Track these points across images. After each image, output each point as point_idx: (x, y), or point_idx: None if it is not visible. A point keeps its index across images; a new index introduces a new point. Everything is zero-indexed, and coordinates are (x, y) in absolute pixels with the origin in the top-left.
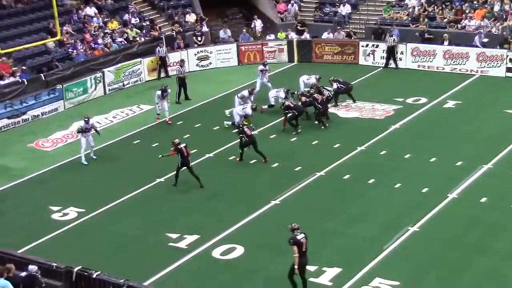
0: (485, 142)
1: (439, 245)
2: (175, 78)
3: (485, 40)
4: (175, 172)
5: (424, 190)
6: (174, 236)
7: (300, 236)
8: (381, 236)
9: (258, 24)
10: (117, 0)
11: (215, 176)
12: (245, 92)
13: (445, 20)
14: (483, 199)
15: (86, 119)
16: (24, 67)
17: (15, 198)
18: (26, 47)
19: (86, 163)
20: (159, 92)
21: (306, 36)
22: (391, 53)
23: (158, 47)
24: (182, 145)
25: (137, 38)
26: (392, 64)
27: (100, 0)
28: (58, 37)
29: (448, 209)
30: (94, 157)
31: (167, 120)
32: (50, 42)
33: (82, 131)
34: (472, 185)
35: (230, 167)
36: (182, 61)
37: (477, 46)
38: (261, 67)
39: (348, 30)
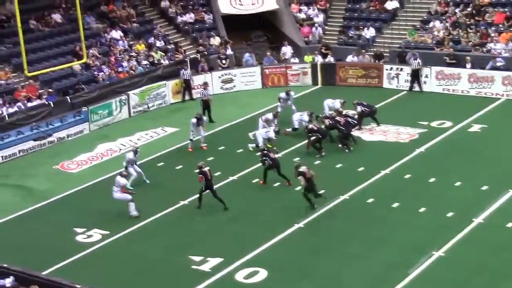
0: (511, 166)
1: (465, 270)
2: (199, 101)
3: (499, 64)
4: (198, 195)
5: (449, 214)
6: (197, 259)
7: (302, 169)
8: (405, 260)
9: (288, 50)
10: (143, 23)
11: (238, 199)
12: (269, 115)
13: (470, 43)
14: (510, 224)
15: (135, 150)
16: (50, 90)
17: (40, 219)
18: (52, 70)
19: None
20: (194, 120)
21: (330, 59)
22: (415, 76)
23: (183, 69)
24: (206, 168)
25: (162, 61)
26: (416, 88)
27: (125, 23)
28: (84, 60)
29: (474, 234)
30: (148, 181)
31: (203, 146)
32: (76, 65)
33: (131, 163)
34: (498, 210)
35: (254, 190)
36: (205, 84)
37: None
38: (282, 94)
39: (376, 50)
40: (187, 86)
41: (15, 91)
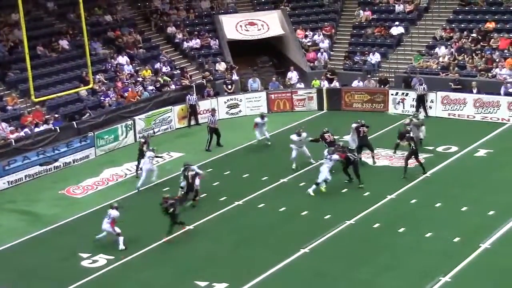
0: None
1: None
2: (205, 126)
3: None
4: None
5: (456, 239)
6: (202, 284)
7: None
8: (412, 286)
9: (294, 75)
10: (149, 49)
11: (243, 224)
12: (294, 137)
13: (475, 69)
14: None
15: (152, 149)
16: (57, 115)
17: (46, 244)
18: (59, 96)
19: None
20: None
21: (335, 84)
22: (421, 101)
23: (189, 95)
24: (191, 173)
25: (170, 84)
26: (422, 113)
27: (132, 49)
28: (90, 86)
29: (481, 259)
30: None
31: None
32: (82, 91)
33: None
34: (505, 235)
35: (259, 215)
36: (213, 110)
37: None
38: (258, 119)
39: (380, 75)
40: (193, 112)
41: (22, 117)
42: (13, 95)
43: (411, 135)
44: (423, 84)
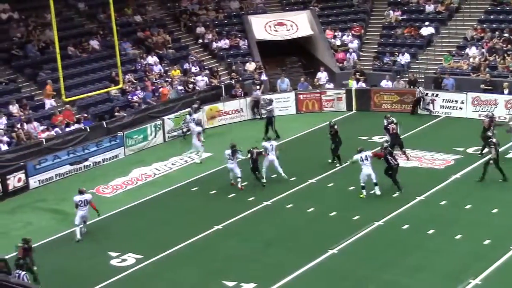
0: None
1: None
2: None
3: None
4: None
5: (486, 242)
6: (230, 284)
7: None
8: None
9: (323, 76)
10: (178, 49)
11: (271, 224)
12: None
13: (506, 69)
14: None
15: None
16: (86, 115)
17: (75, 243)
18: (89, 95)
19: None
20: (228, 152)
21: (362, 84)
22: (418, 102)
23: (256, 89)
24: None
25: (197, 86)
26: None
27: (161, 49)
28: (120, 86)
29: (511, 262)
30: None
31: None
32: (113, 90)
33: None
34: None
35: (287, 215)
36: (270, 100)
37: None
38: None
39: (410, 76)
40: (256, 105)
41: (52, 116)
42: (50, 82)
43: (494, 140)
44: (419, 88)
